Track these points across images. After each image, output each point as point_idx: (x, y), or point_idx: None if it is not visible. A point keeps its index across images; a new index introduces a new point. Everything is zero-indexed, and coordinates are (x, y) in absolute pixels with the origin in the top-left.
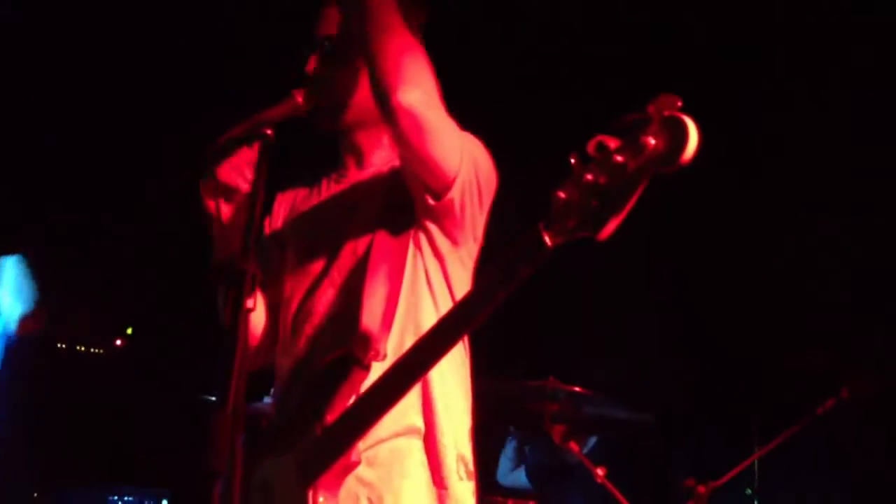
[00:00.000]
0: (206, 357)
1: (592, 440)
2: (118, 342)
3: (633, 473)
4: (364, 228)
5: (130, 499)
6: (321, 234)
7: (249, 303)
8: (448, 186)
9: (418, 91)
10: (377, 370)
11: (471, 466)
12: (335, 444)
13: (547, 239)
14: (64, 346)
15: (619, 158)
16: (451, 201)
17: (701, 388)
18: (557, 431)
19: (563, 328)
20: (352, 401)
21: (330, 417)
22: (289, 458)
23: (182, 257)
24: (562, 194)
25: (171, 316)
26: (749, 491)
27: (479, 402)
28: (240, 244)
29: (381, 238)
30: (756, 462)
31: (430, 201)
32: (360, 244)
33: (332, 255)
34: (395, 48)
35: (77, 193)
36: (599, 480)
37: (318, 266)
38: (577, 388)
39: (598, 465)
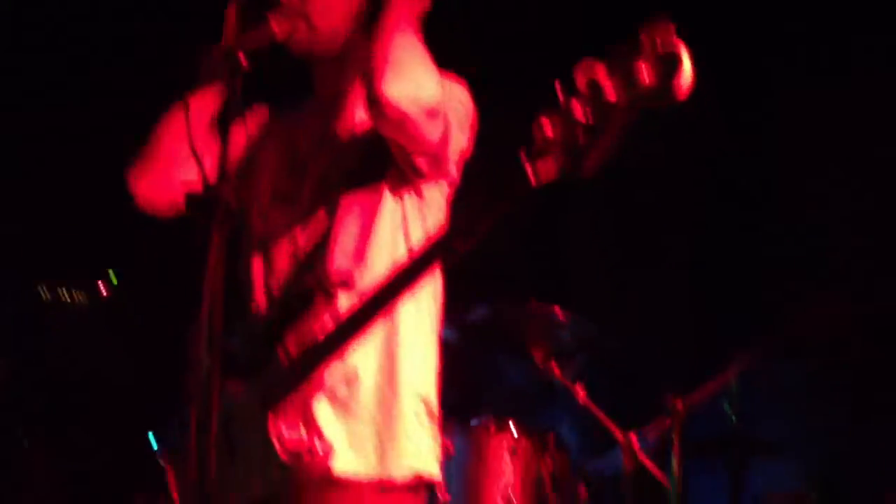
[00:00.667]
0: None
1: (578, 364)
2: (102, 287)
3: (614, 393)
4: (340, 163)
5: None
6: (295, 165)
7: (221, 230)
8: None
9: (405, 83)
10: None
11: (434, 409)
12: (299, 373)
13: (530, 177)
14: (46, 290)
15: (608, 93)
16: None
17: (686, 309)
18: (538, 354)
19: (546, 251)
20: (318, 331)
21: (295, 347)
22: (251, 385)
23: None
24: (546, 131)
25: (160, 258)
26: (727, 407)
27: (461, 329)
28: (214, 171)
29: (358, 172)
30: (735, 379)
31: (418, 170)
32: (335, 178)
33: (306, 187)
34: (391, 36)
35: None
36: (581, 401)
37: (290, 196)
38: (557, 311)
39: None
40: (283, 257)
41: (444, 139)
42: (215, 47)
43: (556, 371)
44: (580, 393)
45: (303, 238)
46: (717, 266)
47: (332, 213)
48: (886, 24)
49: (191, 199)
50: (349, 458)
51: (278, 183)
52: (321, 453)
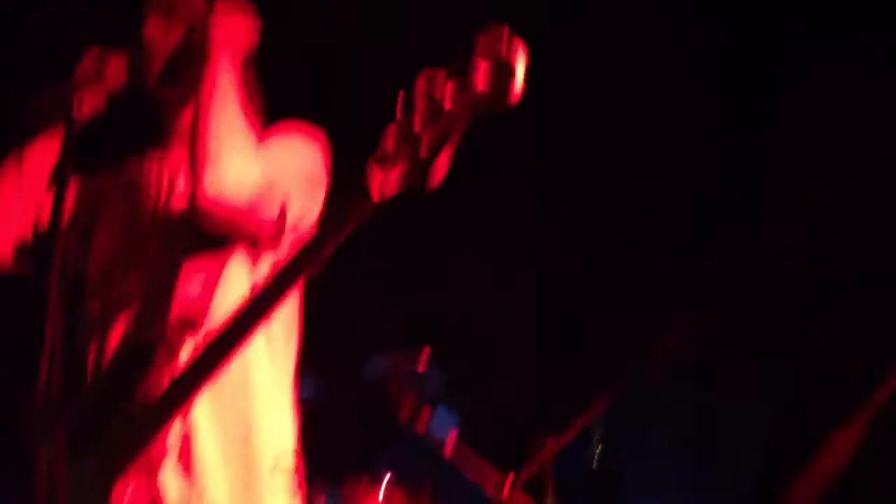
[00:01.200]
0: None
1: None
2: None
3: (486, 438)
4: (183, 224)
5: None
6: (137, 224)
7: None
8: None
9: (224, 184)
10: None
11: (292, 465)
12: (140, 437)
13: (372, 194)
14: None
15: (444, 102)
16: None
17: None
18: (404, 409)
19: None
20: (158, 389)
21: (135, 409)
22: (92, 453)
23: None
24: (388, 147)
25: None
26: (595, 444)
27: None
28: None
29: (202, 235)
30: (601, 415)
31: (255, 248)
32: (179, 239)
33: (148, 248)
34: (205, 124)
35: None
36: (447, 457)
37: (132, 257)
38: (419, 368)
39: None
40: (124, 319)
41: (281, 216)
42: (49, 93)
43: (422, 427)
44: (447, 449)
45: (145, 298)
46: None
47: (174, 273)
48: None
49: (23, 253)
50: None
51: (120, 243)
52: None
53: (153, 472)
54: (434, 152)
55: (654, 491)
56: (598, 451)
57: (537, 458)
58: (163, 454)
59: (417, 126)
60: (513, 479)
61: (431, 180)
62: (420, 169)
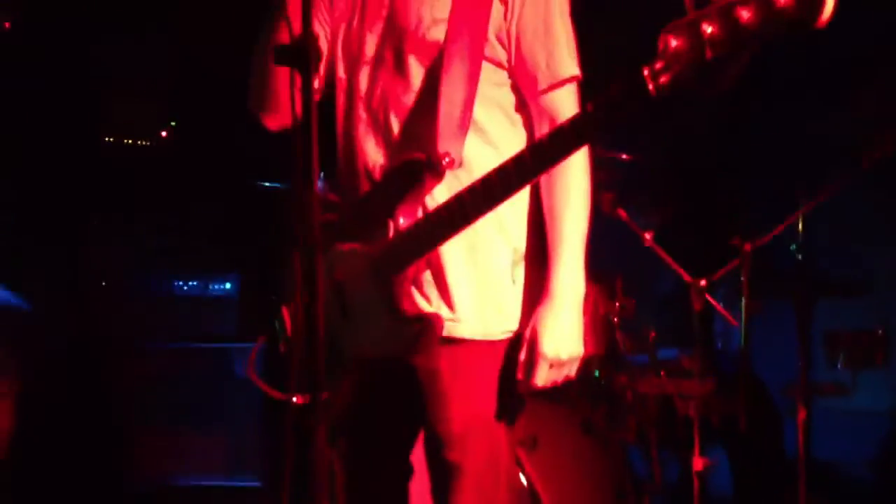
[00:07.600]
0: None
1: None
2: (164, 134)
3: (679, 236)
4: (440, 14)
5: (195, 283)
6: (390, 14)
7: (315, 84)
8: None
9: None
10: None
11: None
12: (410, 250)
13: (650, 87)
14: (111, 140)
15: (744, 15)
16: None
17: (747, 147)
18: (606, 200)
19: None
20: (423, 206)
21: (401, 218)
22: (359, 250)
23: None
24: (672, 40)
25: (216, 102)
26: (794, 247)
27: None
28: (299, 21)
29: (459, 31)
30: (801, 218)
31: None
32: (434, 32)
33: (401, 38)
34: None
35: None
36: (647, 244)
37: (387, 50)
38: (622, 155)
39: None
40: (380, 117)
41: None
42: None
43: (624, 216)
44: (647, 237)
45: (402, 98)
46: (786, 103)
47: (435, 76)
48: None
49: (279, 49)
50: (472, 322)
51: (378, 43)
52: (447, 318)
53: (438, 272)
54: (723, 62)
55: (854, 293)
56: (795, 254)
57: (735, 260)
58: (437, 258)
59: (710, 29)
60: (707, 282)
61: (716, 89)
62: (705, 74)
